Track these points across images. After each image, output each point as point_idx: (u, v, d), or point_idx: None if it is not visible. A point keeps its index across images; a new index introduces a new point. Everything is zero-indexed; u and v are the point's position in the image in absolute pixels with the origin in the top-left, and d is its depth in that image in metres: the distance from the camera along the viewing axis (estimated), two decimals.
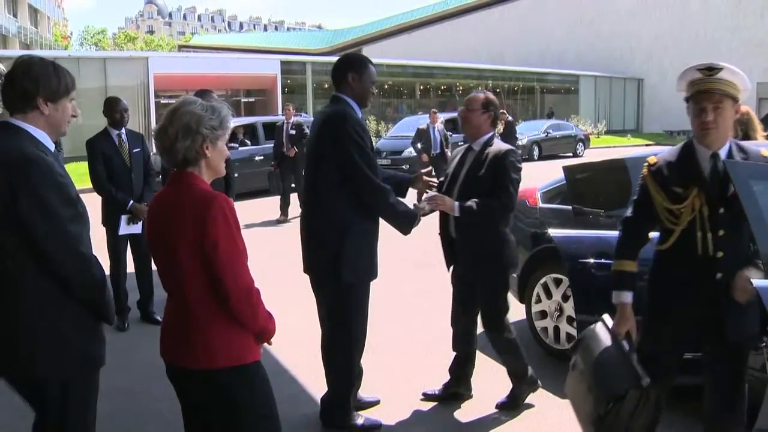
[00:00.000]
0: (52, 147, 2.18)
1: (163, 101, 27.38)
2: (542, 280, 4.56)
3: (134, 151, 5.23)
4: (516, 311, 5.16)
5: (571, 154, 23.49)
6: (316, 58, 32.50)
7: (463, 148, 3.66)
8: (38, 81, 2.13)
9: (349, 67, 3.30)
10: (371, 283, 3.37)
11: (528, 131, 23.23)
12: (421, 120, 15.20)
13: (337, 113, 3.23)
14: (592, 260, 3.66)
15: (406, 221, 3.26)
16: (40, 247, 2.04)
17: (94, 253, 2.19)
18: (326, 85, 30.12)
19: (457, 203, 3.37)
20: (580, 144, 24.38)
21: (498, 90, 35.77)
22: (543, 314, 4.58)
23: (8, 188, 2.01)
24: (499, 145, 3.48)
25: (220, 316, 2.08)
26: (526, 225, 4.95)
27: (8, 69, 2.19)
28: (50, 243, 2.04)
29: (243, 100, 30.67)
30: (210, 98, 5.43)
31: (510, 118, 16.89)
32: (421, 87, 34.78)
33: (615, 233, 3.78)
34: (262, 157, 13.41)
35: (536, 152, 22.38)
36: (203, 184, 2.11)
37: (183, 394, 2.20)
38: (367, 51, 46.03)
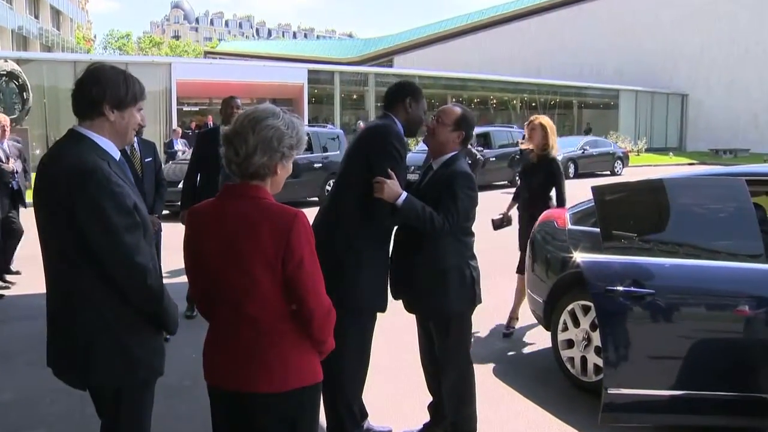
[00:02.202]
0: (117, 155, 2.23)
1: (185, 108, 27.89)
2: (569, 307, 4.48)
3: (146, 160, 5.32)
4: (541, 337, 5.13)
5: (608, 173, 23.23)
6: (345, 67, 32.80)
7: (426, 166, 3.51)
8: (106, 88, 2.18)
9: (409, 92, 3.32)
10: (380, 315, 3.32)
11: (564, 147, 22.99)
12: None
13: (384, 125, 3.25)
14: (620, 288, 3.56)
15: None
16: (98, 256, 2.09)
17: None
18: (354, 96, 30.41)
19: (405, 193, 3.08)
20: (619, 162, 24.07)
21: (534, 104, 35.64)
22: (569, 343, 4.48)
23: (68, 198, 2.08)
24: (459, 167, 3.25)
25: (292, 335, 2.09)
26: (555, 247, 4.87)
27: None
28: (106, 252, 2.08)
29: None
30: (234, 104, 5.61)
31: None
32: (453, 99, 34.79)
33: (648, 260, 3.76)
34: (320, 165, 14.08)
35: (572, 170, 22.16)
36: (272, 198, 2.10)
37: (240, 419, 2.15)
38: (398, 61, 46.46)
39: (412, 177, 3.68)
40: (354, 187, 3.19)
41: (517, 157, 16.58)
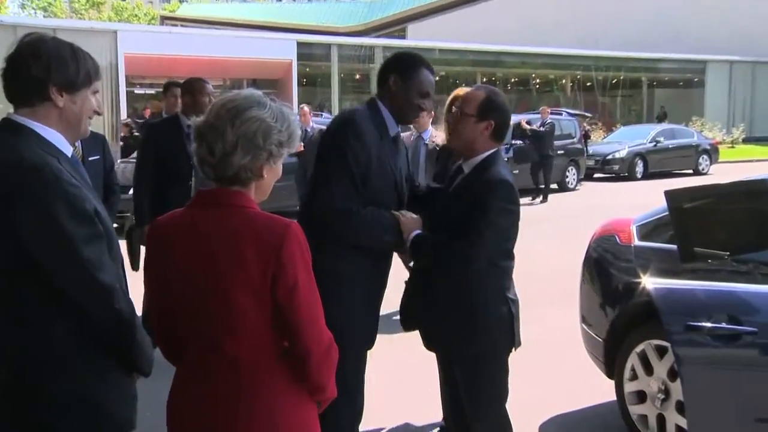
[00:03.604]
0: (68, 150, 2.26)
1: (137, 91, 28.03)
2: (639, 348, 4.45)
3: (90, 159, 5.35)
4: (601, 387, 5.12)
5: (690, 171, 23.22)
6: (345, 39, 33.00)
7: (455, 168, 3.57)
8: (50, 64, 2.19)
9: (394, 66, 3.35)
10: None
11: (629, 139, 23.02)
12: None
13: (345, 114, 3.32)
14: (708, 324, 3.55)
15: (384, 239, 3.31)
16: (48, 276, 2.09)
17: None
18: (357, 76, 30.58)
19: (414, 231, 3.25)
20: (705, 157, 24.01)
21: (590, 83, 35.60)
22: (641, 396, 4.46)
23: (3, 203, 2.07)
24: (496, 173, 3.26)
25: (283, 381, 2.12)
26: (617, 270, 4.88)
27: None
28: (59, 271, 2.10)
29: None
30: (203, 89, 5.65)
31: (541, 127, 16.78)
32: (485, 79, 34.91)
33: (746, 287, 3.72)
34: None
35: (640, 168, 22.17)
36: (257, 207, 2.14)
37: None
38: (412, 30, 46.59)
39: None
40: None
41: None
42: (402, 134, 3.83)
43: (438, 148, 5.01)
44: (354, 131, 3.18)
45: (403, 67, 3.33)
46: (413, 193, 3.61)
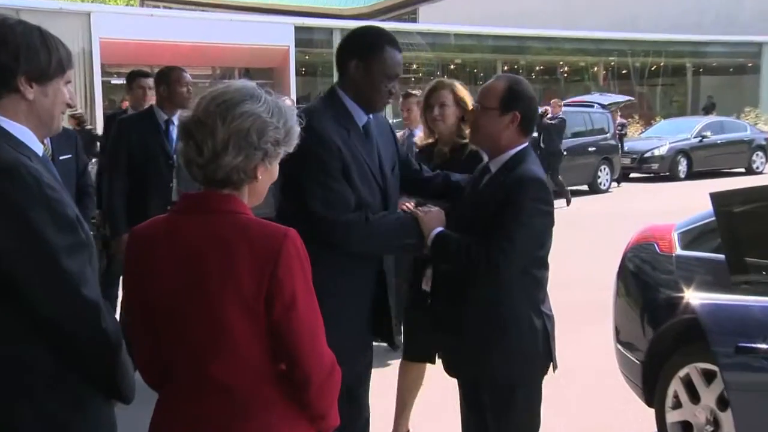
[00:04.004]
0: (39, 149, 2.25)
1: (114, 81, 28.01)
2: (683, 372, 4.44)
3: (61, 158, 5.35)
4: (641, 415, 5.08)
5: (742, 170, 23.21)
6: (349, 22, 33.00)
7: (480, 168, 3.56)
8: (18, 51, 2.18)
9: (353, 49, 3.33)
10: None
11: (670, 134, 22.99)
12: None
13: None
14: (762, 345, 3.53)
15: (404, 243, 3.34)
16: (24, 291, 2.08)
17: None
18: None
19: (437, 229, 3.27)
20: (759, 154, 24.00)
21: (625, 71, 35.57)
22: (686, 427, 4.45)
23: None
24: (527, 170, 3.27)
25: (280, 408, 2.13)
26: (656, 283, 4.88)
27: None
28: (38, 286, 2.09)
29: None
30: (181, 78, 5.62)
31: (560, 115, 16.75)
32: (506, 67, 34.97)
33: None
34: None
35: (683, 167, 22.16)
36: (251, 213, 2.15)
37: None
38: (424, 13, 46.70)
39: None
40: (291, 196, 3.25)
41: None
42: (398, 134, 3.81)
43: (417, 150, 4.93)
44: (316, 140, 3.11)
45: (364, 49, 3.30)
46: (419, 177, 3.66)
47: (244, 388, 2.08)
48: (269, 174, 2.18)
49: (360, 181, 3.24)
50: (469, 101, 4.47)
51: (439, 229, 3.26)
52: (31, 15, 22.22)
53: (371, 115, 3.40)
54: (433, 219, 3.29)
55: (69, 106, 2.34)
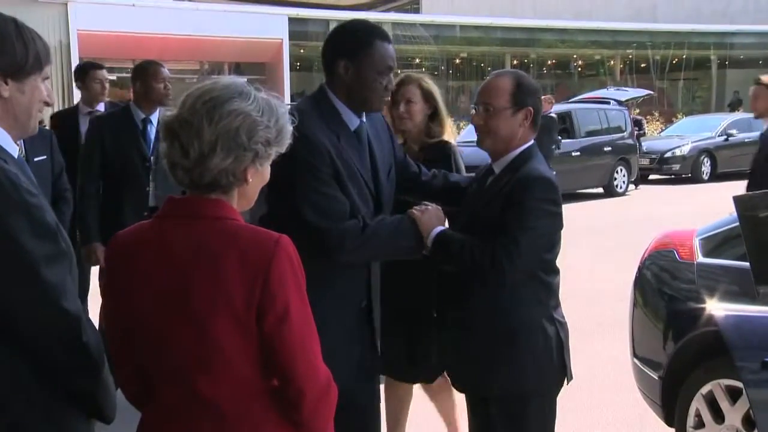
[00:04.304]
0: (14, 150, 2.25)
1: None
2: (705, 389, 4.43)
3: (36, 159, 5.33)
4: None
5: None
6: (347, 14, 32.96)
7: (482, 169, 3.60)
8: None
9: (340, 49, 3.31)
10: None
11: (693, 132, 22.89)
12: None
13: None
14: None
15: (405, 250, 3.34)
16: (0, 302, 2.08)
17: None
18: None
19: (437, 229, 3.27)
20: None
21: (644, 65, 35.46)
22: None
23: None
24: (533, 169, 3.29)
25: (270, 425, 2.13)
26: (676, 292, 4.87)
27: None
28: (14, 297, 2.08)
29: None
30: (158, 74, 5.61)
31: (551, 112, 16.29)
32: (515, 61, 34.97)
33: None
34: None
35: (706, 168, 22.04)
36: (241, 219, 2.15)
37: None
38: (427, 3, 46.62)
39: None
40: (283, 197, 3.23)
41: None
42: None
43: None
44: (304, 144, 3.06)
45: (352, 48, 3.28)
46: (417, 179, 3.66)
47: (233, 405, 2.08)
48: (260, 176, 2.18)
49: (352, 187, 3.25)
50: (438, 97, 4.48)
51: (440, 228, 3.27)
52: (3, 5, 22.01)
53: (364, 117, 3.40)
54: (432, 218, 3.29)
55: (47, 104, 2.32)
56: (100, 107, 6.24)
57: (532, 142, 3.38)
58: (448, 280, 3.44)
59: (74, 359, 2.16)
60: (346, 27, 3.44)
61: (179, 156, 2.08)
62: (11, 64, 2.19)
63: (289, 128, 2.20)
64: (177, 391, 2.10)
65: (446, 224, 3.37)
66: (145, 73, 5.60)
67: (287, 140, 2.19)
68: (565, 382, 3.37)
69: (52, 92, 2.35)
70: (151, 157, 5.43)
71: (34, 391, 2.16)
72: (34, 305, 2.09)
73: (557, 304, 3.37)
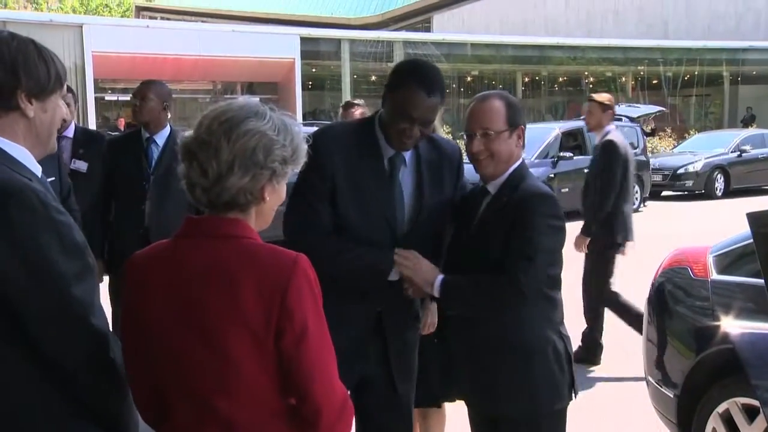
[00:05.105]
0: (38, 170, 2.26)
1: (108, 97, 28.16)
2: (722, 408, 4.40)
3: (47, 180, 5.40)
4: None
5: None
6: (359, 33, 33.18)
7: (475, 190, 3.54)
8: (17, 66, 2.19)
9: (388, 80, 3.35)
10: None
11: (706, 149, 22.81)
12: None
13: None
14: None
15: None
16: (30, 321, 2.08)
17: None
18: (373, 77, 30.68)
19: (439, 277, 3.25)
20: None
21: (656, 81, 35.43)
22: None
23: None
24: (532, 186, 3.29)
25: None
26: (690, 310, 4.85)
27: None
28: (45, 314, 2.09)
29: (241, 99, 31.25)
30: (163, 90, 5.59)
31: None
32: (527, 78, 35.02)
33: None
34: None
35: (719, 184, 21.95)
36: (258, 238, 2.17)
37: None
38: (439, 22, 46.79)
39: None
40: None
41: None
42: None
43: None
44: (318, 142, 3.14)
45: (391, 81, 3.31)
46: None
47: (251, 424, 2.09)
48: (277, 195, 2.19)
49: (354, 210, 3.27)
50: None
51: (440, 277, 3.24)
52: (19, 27, 22.12)
53: (421, 149, 3.41)
54: (425, 269, 3.27)
55: (64, 120, 2.35)
56: (69, 132, 6.20)
57: (522, 159, 3.38)
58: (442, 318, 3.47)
59: (101, 377, 2.18)
60: (400, 63, 3.50)
61: (198, 176, 2.11)
62: (36, 85, 2.21)
63: (304, 147, 2.22)
64: (193, 410, 2.12)
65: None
66: (138, 92, 5.61)
67: (303, 158, 2.21)
68: (574, 396, 3.35)
69: (67, 110, 2.36)
70: (151, 177, 5.47)
71: (62, 411, 2.16)
72: (64, 322, 2.10)
73: (562, 319, 3.37)
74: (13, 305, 2.06)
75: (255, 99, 2.23)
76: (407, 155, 3.38)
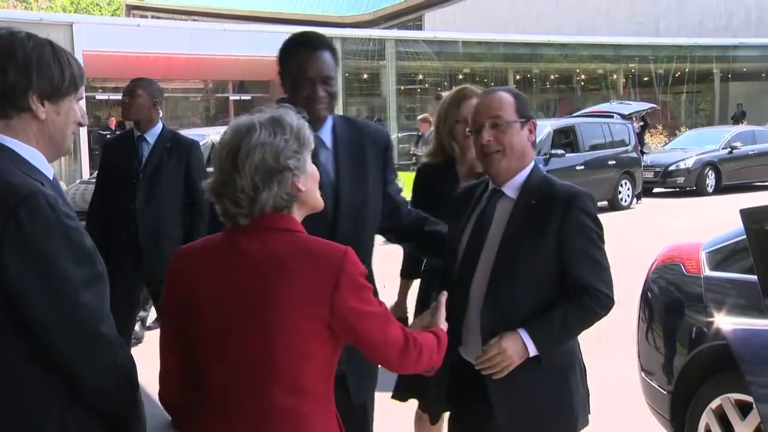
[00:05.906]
0: (50, 173, 2.26)
1: (99, 96, 28.08)
2: (715, 404, 4.42)
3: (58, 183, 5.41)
4: None
5: None
6: (350, 31, 33.17)
7: (482, 196, 3.26)
8: (30, 66, 2.19)
9: (278, 61, 3.32)
10: None
11: (697, 145, 22.89)
12: None
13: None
14: None
15: None
16: (38, 328, 2.08)
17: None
18: (365, 75, 30.73)
19: (524, 332, 2.93)
20: None
21: (647, 78, 35.53)
22: None
23: None
24: (564, 186, 3.09)
25: (327, 418, 2.27)
26: (683, 306, 4.86)
27: None
28: (54, 320, 2.08)
29: (232, 98, 31.29)
30: (152, 87, 5.57)
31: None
32: (518, 76, 35.03)
33: None
34: None
35: (711, 181, 22.02)
36: (305, 232, 2.28)
37: None
38: (430, 20, 46.90)
39: None
40: None
41: None
42: None
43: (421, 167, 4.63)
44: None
45: (280, 60, 3.29)
46: (398, 216, 3.48)
47: (291, 409, 2.18)
48: (311, 179, 2.30)
49: None
50: None
51: (527, 338, 2.93)
52: (10, 26, 22.13)
53: (340, 127, 3.34)
54: (515, 350, 2.92)
55: (80, 125, 2.35)
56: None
57: (534, 159, 3.19)
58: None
59: (110, 383, 2.18)
60: (284, 42, 3.38)
61: (235, 209, 2.21)
62: (48, 87, 2.22)
63: (305, 127, 2.29)
64: (249, 398, 2.19)
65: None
66: (128, 90, 5.62)
67: (310, 136, 2.28)
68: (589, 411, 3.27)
69: (85, 113, 2.37)
70: (140, 174, 5.46)
71: (72, 416, 2.17)
72: (73, 329, 2.10)
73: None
74: (20, 310, 2.06)
75: (240, 118, 2.29)
76: (326, 138, 3.25)
